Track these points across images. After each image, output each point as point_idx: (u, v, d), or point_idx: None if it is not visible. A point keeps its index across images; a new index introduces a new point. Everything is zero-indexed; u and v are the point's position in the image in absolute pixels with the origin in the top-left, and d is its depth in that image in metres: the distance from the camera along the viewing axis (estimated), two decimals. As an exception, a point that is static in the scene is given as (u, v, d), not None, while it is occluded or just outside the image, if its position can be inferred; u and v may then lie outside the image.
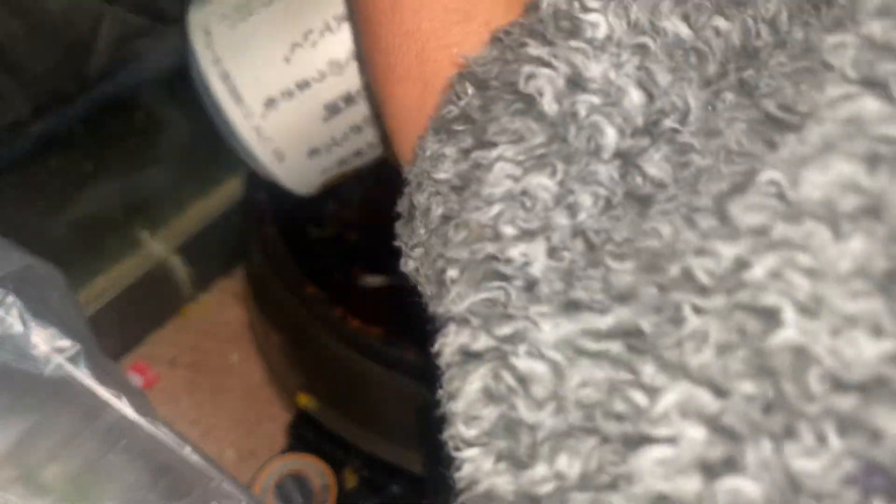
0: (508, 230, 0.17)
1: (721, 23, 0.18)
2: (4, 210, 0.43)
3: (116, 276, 0.51)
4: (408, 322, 0.49)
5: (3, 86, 0.40)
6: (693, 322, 0.14)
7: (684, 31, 0.18)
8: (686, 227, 0.16)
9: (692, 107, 0.17)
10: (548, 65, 0.18)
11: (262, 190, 0.48)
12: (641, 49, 0.18)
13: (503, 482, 0.16)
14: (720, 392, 0.14)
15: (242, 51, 0.31)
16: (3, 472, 0.31)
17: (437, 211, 0.21)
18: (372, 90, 0.25)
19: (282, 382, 0.49)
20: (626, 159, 0.17)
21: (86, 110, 0.44)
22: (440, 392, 0.18)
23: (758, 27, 0.18)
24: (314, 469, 0.43)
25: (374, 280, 0.53)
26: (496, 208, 0.18)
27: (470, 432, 0.17)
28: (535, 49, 0.19)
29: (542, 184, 0.17)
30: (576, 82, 0.18)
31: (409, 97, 0.23)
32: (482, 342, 0.17)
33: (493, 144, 0.18)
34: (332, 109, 0.30)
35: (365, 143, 0.32)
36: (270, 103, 0.30)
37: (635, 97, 0.17)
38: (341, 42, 0.30)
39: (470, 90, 0.21)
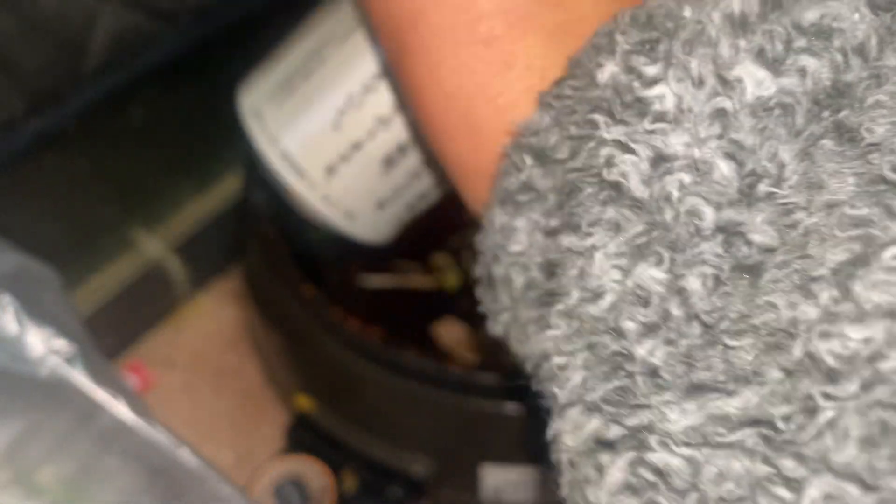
0: (630, 326, 0.17)
1: (806, 61, 0.17)
2: (-2, 209, 0.43)
3: (112, 276, 0.51)
4: (407, 323, 0.49)
5: (-3, 83, 0.39)
6: (828, 413, 0.14)
7: (761, 75, 0.17)
8: (803, 299, 0.15)
9: (786, 161, 0.16)
10: (627, 149, 0.18)
11: (261, 189, 0.47)
12: (719, 114, 0.17)
13: None
14: (869, 487, 0.14)
15: (294, 127, 0.32)
16: (-4, 476, 0.31)
17: (519, 280, 0.21)
18: (430, 147, 0.25)
19: (280, 384, 0.49)
20: (728, 232, 0.16)
21: (81, 108, 0.44)
22: (564, 477, 0.18)
23: (847, 60, 0.17)
24: (312, 471, 0.43)
25: (373, 280, 0.53)
26: (608, 300, 0.17)
27: None
28: (608, 132, 0.18)
29: (653, 276, 0.17)
30: (660, 162, 0.17)
31: (462, 154, 0.23)
32: (615, 431, 0.17)
33: (588, 234, 0.18)
34: (388, 162, 0.31)
35: (426, 186, 0.32)
36: (331, 170, 0.31)
37: (724, 168, 0.17)
38: (383, 98, 0.30)
39: (528, 161, 0.20)
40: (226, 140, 0.55)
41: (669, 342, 0.16)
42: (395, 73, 0.25)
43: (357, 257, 0.54)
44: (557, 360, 0.18)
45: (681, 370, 0.16)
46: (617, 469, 0.17)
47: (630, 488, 0.16)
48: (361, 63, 0.31)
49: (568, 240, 0.18)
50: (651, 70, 0.18)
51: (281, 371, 0.49)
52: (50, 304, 0.35)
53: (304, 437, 0.45)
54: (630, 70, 0.18)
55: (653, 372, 0.16)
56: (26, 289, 0.34)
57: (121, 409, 0.32)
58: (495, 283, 0.22)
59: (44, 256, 0.36)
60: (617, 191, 0.18)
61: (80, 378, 0.33)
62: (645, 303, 0.17)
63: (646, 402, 0.16)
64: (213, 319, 0.55)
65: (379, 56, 0.30)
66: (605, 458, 0.17)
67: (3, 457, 0.31)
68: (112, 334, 0.51)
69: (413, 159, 0.31)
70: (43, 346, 0.33)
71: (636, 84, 0.18)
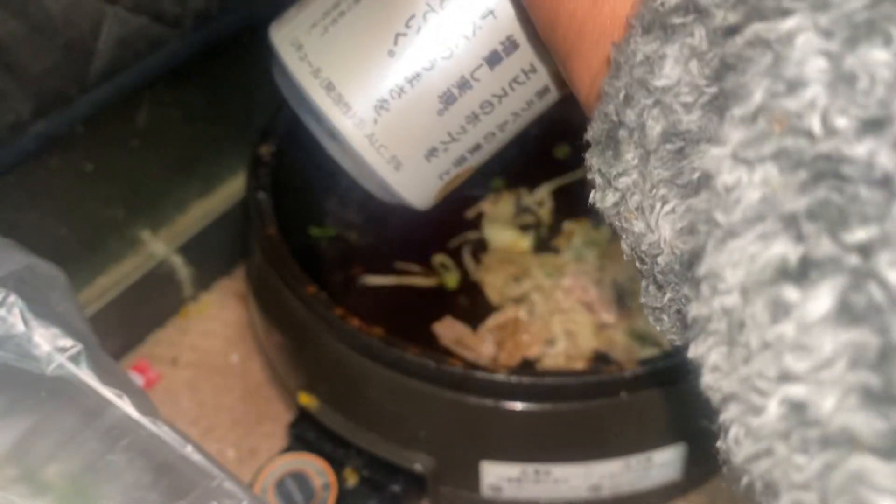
0: (843, 122, 0.14)
1: None
2: (6, 210, 0.43)
3: (117, 276, 0.51)
4: (408, 322, 0.50)
5: (4, 86, 0.40)
6: None
7: None
8: None
9: None
10: None
11: (263, 189, 0.48)
12: None
13: (863, 420, 0.13)
14: None
15: (342, 54, 0.28)
16: (4, 471, 0.31)
17: (657, 127, 0.18)
18: (536, 21, 0.23)
19: (282, 382, 0.50)
20: None
21: (87, 111, 0.44)
22: (713, 326, 0.15)
23: None
24: (314, 468, 0.43)
25: (374, 280, 0.53)
26: (811, 91, 0.14)
27: (800, 364, 0.14)
28: None
29: (877, 59, 0.14)
30: None
31: (580, 10, 0.20)
32: (824, 250, 0.14)
33: (787, 12, 0.15)
34: (447, 99, 0.28)
35: (482, 134, 0.29)
36: (381, 105, 0.28)
37: None
38: (448, 22, 0.27)
39: None
40: (230, 142, 0.55)
41: None
42: None
43: (358, 258, 0.55)
44: (726, 177, 0.15)
45: None
46: (822, 295, 0.13)
47: (845, 315, 0.13)
48: None
49: (756, 27, 0.15)
50: None
51: (283, 369, 0.49)
52: (56, 303, 0.35)
53: (306, 434, 0.45)
54: None
55: (883, 180, 0.13)
56: (33, 288, 0.34)
57: (126, 407, 0.33)
58: (619, 137, 0.19)
59: (50, 257, 0.36)
60: None
61: (86, 376, 0.33)
62: (865, 93, 0.14)
63: (874, 213, 0.13)
64: (217, 319, 0.56)
65: None
66: (789, 290, 0.14)
67: (9, 454, 0.32)
68: (117, 333, 0.52)
69: (473, 98, 0.28)
70: (49, 344, 0.33)
71: None
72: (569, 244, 0.54)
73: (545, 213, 0.57)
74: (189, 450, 0.32)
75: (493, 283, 0.53)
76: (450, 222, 0.55)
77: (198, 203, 0.55)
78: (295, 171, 0.50)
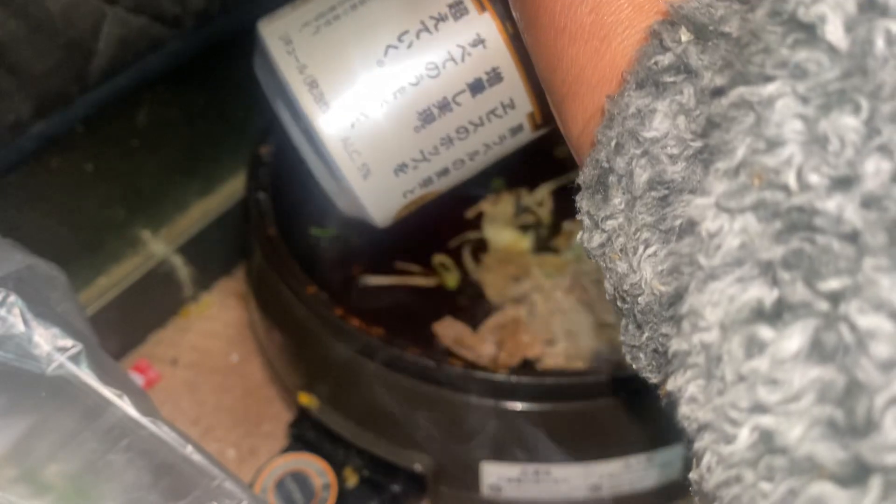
0: (815, 178, 0.15)
1: None
2: (6, 210, 0.43)
3: (117, 276, 0.51)
4: (408, 322, 0.50)
5: (5, 86, 0.40)
6: None
7: None
8: None
9: None
10: None
11: (263, 189, 0.48)
12: None
13: (827, 449, 0.14)
14: None
15: (330, 56, 0.28)
16: (3, 471, 0.31)
17: (644, 176, 0.19)
18: (537, 62, 0.24)
19: (282, 382, 0.50)
20: None
21: (87, 111, 0.44)
22: (692, 360, 0.16)
23: None
24: (315, 468, 0.43)
25: (374, 280, 0.53)
26: (788, 150, 0.15)
27: (771, 397, 0.15)
28: None
29: (847, 124, 0.15)
30: (870, 4, 0.15)
31: (580, 56, 0.21)
32: (799, 295, 0.15)
33: (769, 78, 0.16)
34: (426, 117, 0.28)
35: (452, 159, 0.30)
36: (362, 111, 0.28)
37: None
38: (440, 43, 0.28)
39: (685, 37, 0.19)
40: (230, 142, 0.55)
41: (868, 205, 0.15)
42: None
43: (358, 258, 0.55)
44: (710, 224, 0.16)
45: (883, 239, 0.14)
46: (795, 335, 0.15)
47: (815, 354, 0.14)
48: (421, 1, 0.28)
49: (741, 90, 0.16)
50: None
51: (284, 369, 0.49)
52: (56, 303, 0.35)
53: (306, 434, 0.45)
54: None
55: (852, 235, 0.15)
56: (33, 288, 0.34)
57: (126, 407, 0.33)
58: (608, 183, 0.20)
59: (50, 257, 0.36)
60: (810, 34, 0.16)
61: (86, 376, 0.33)
62: (835, 154, 0.15)
63: (846, 267, 0.14)
64: (218, 319, 0.56)
65: None
66: (764, 329, 0.15)
67: (10, 454, 0.32)
68: (117, 333, 0.52)
69: (450, 121, 0.29)
70: (49, 344, 0.33)
71: None
72: (569, 244, 0.54)
73: (545, 213, 0.57)
74: (189, 450, 0.32)
75: (493, 283, 0.53)
76: (450, 222, 0.55)
77: (198, 203, 0.55)
78: (295, 171, 0.50)
